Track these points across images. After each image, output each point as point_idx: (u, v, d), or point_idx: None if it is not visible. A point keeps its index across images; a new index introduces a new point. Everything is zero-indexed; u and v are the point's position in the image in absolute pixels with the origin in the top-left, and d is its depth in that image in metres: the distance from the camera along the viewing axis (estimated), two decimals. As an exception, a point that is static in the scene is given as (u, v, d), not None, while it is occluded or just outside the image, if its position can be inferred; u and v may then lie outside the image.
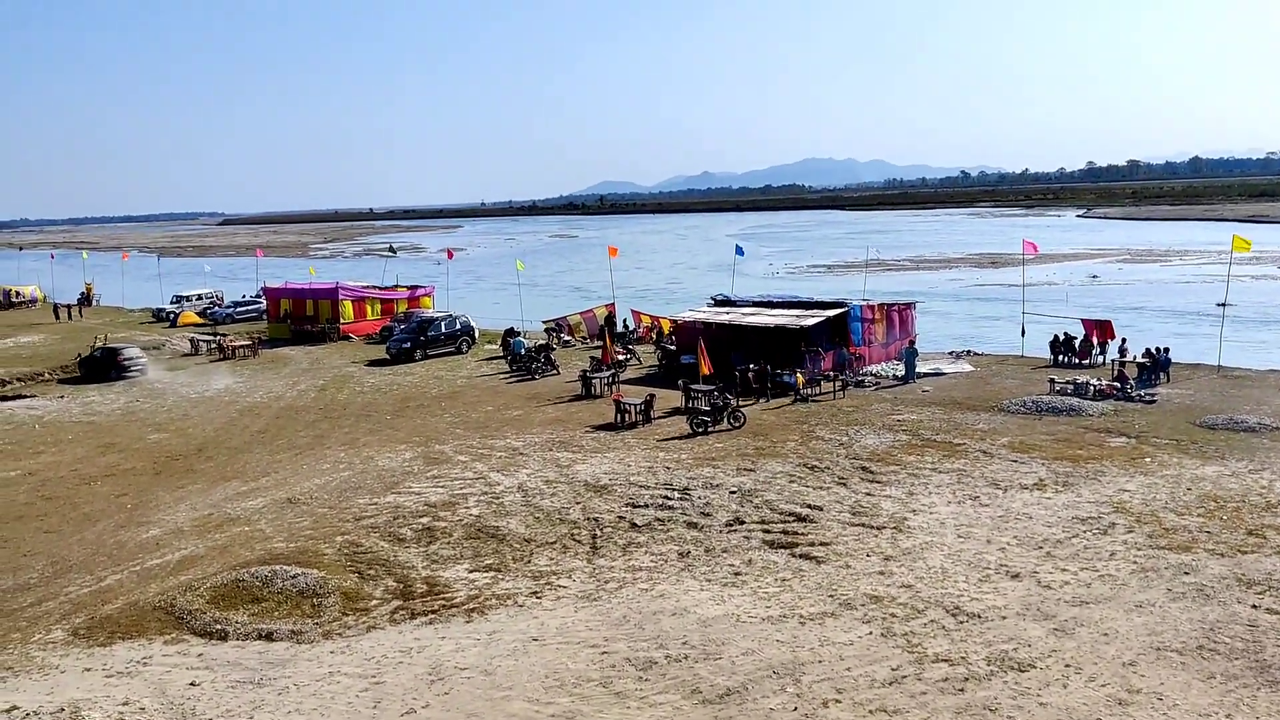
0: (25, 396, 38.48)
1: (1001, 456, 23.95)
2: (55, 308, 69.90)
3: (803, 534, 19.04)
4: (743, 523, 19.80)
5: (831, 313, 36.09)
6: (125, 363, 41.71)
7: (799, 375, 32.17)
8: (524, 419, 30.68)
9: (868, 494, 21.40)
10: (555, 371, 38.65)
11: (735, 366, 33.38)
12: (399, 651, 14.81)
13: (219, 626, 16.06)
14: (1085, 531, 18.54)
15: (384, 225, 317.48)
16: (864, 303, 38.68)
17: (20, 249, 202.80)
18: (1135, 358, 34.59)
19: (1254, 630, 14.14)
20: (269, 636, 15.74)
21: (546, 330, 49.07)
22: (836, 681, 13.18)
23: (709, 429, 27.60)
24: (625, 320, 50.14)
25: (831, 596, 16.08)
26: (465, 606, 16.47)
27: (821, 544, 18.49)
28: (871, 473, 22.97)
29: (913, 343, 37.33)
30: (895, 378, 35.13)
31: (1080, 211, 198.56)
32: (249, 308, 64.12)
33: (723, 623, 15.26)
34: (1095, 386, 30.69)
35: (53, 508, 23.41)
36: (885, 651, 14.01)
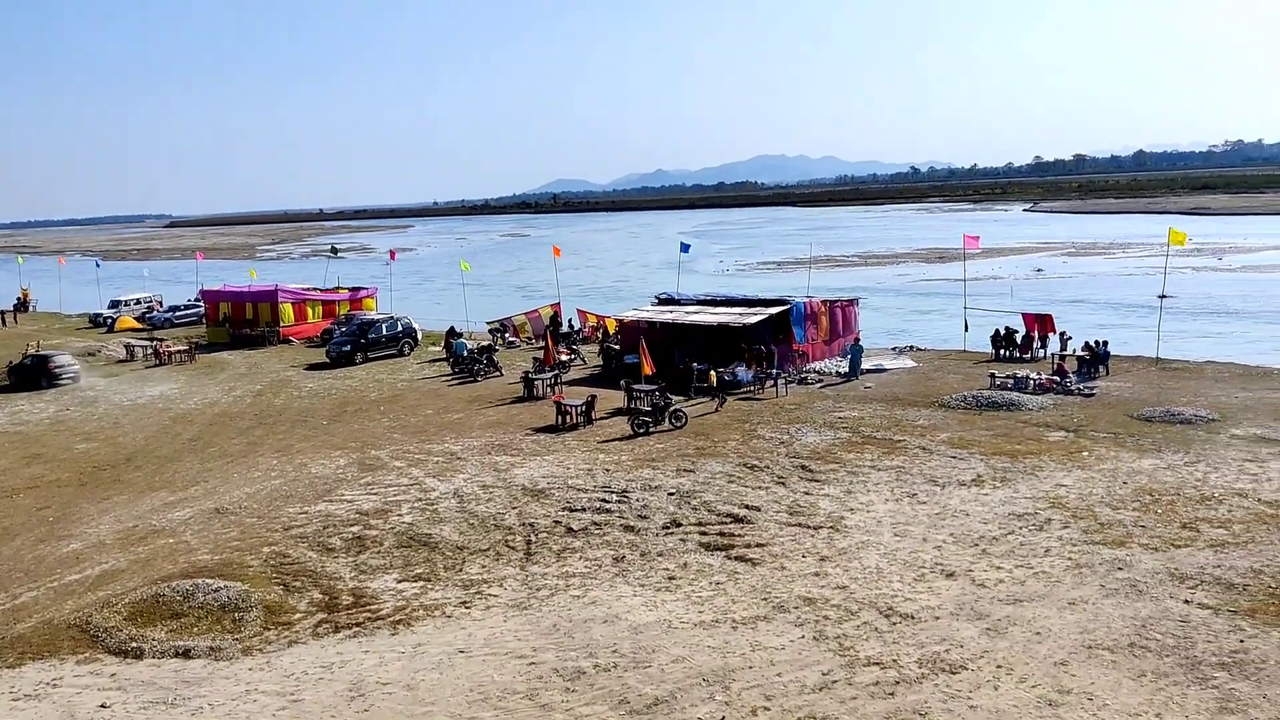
0: (-50, 406, 37.28)
1: (940, 453, 23.90)
2: (-11, 314, 68.20)
3: (739, 535, 18.81)
4: (680, 525, 19.54)
5: (774, 310, 35.93)
6: (56, 370, 40.62)
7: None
8: (464, 422, 30.21)
9: (806, 493, 21.22)
10: (498, 373, 38.18)
11: (678, 365, 33.12)
12: (320, 667, 14.35)
13: (135, 644, 15.49)
14: (1021, 528, 18.49)
15: (334, 225, 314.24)
16: (807, 299, 38.59)
17: None
18: (1075, 351, 34.80)
19: (1185, 626, 14.09)
20: (186, 654, 15.19)
21: (491, 331, 48.55)
22: (766, 688, 12.93)
23: (650, 429, 27.31)
24: (571, 320, 49.72)
25: (765, 600, 15.85)
26: (391, 619, 16.02)
27: (758, 545, 18.26)
28: (811, 471, 22.80)
29: (858, 339, 37.28)
30: (839, 374, 35.07)
31: (1027, 206, 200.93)
32: (188, 312, 62.79)
33: (654, 629, 14.97)
34: (1035, 381, 30.83)
35: (-31, 522, 22.62)
36: (817, 656, 13.79)
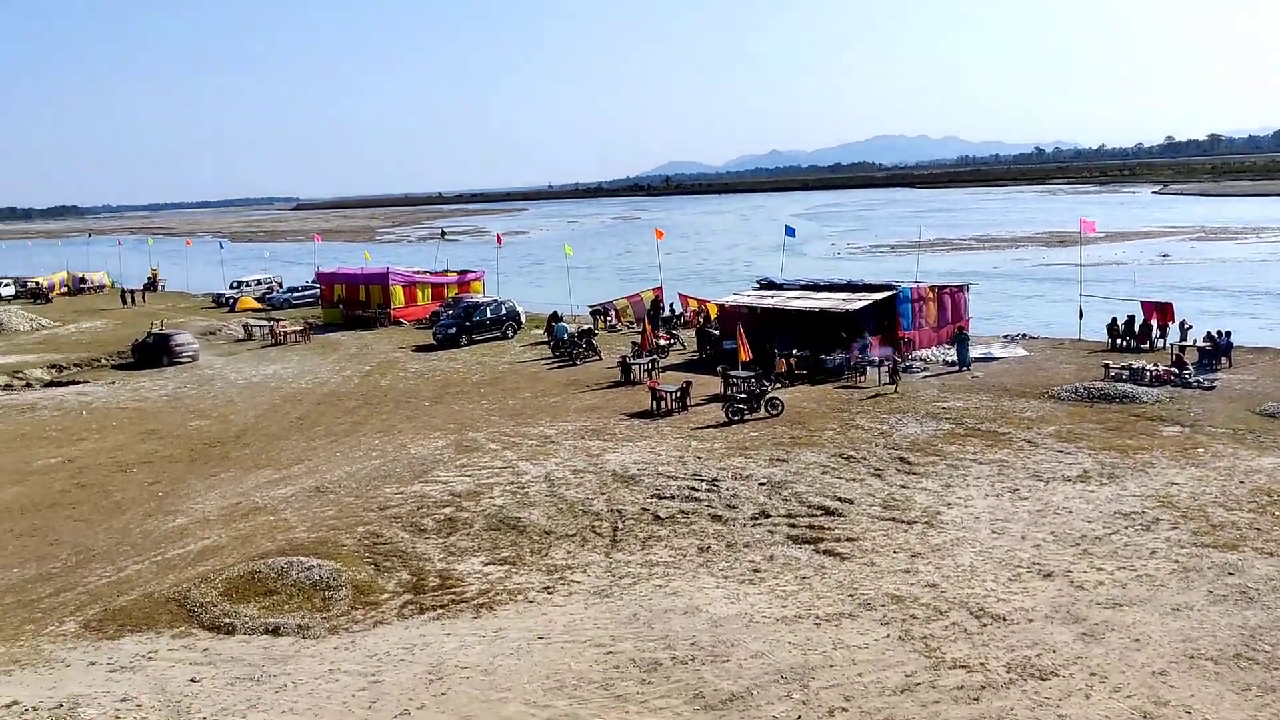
0: (78, 383, 39.14)
1: (1047, 447, 23.00)
2: (122, 293, 71.45)
3: (829, 528, 18.40)
4: (769, 516, 19.22)
5: (879, 296, 35.11)
6: (177, 349, 42.30)
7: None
8: (560, 405, 30.35)
9: (902, 486, 20.66)
10: (597, 357, 38.27)
11: (778, 352, 32.64)
12: (402, 648, 14.52)
13: (228, 620, 15.93)
14: (1126, 527, 17.65)
15: (452, 209, 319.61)
16: (914, 285, 37.59)
17: (89, 235, 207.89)
18: (1196, 341, 33.16)
19: (1299, 638, 13.24)
20: (275, 631, 15.57)
21: (592, 314, 48.70)
22: (845, 688, 12.57)
23: (745, 417, 26.98)
24: (672, 304, 49.53)
25: (851, 596, 15.45)
26: (475, 602, 16.14)
27: (848, 539, 17.84)
28: (909, 463, 22.19)
29: (962, 329, 36.14)
30: (946, 363, 34.13)
31: (1156, 188, 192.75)
32: (305, 293, 64.66)
33: (735, 623, 14.72)
34: (1151, 372, 29.44)
35: (85, 495, 23.64)
36: (901, 656, 13.36)
